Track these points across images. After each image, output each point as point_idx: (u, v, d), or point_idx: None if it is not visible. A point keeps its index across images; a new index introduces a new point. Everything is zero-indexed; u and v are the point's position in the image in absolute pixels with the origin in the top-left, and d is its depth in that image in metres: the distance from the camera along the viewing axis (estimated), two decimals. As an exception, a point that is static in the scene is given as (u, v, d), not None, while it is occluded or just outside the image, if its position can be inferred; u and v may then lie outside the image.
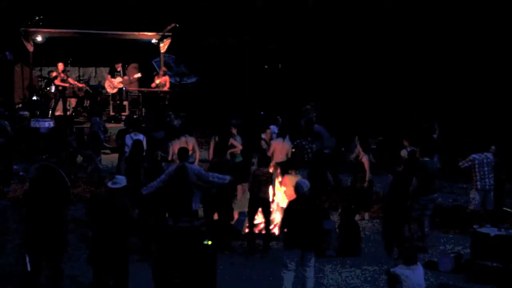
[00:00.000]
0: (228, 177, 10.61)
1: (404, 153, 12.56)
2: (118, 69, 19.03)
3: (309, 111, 17.76)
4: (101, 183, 13.44)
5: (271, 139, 14.19)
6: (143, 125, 15.13)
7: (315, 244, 8.88)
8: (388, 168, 11.77)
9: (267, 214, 11.13)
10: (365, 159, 12.77)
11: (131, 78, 19.67)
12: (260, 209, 11.21)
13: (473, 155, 12.30)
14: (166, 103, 18.75)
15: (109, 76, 18.96)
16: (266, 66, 22.55)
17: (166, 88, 18.69)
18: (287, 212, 8.96)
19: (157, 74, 18.88)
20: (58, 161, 10.30)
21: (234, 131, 13.65)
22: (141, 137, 12.72)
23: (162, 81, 18.63)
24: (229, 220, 11.44)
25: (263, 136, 14.45)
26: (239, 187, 12.77)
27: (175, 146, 12.29)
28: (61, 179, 8.62)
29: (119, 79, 18.85)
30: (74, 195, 12.23)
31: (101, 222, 8.04)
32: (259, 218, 11.58)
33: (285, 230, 8.96)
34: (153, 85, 18.81)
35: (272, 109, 19.01)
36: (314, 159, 14.35)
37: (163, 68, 19.22)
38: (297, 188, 8.94)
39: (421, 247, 10.85)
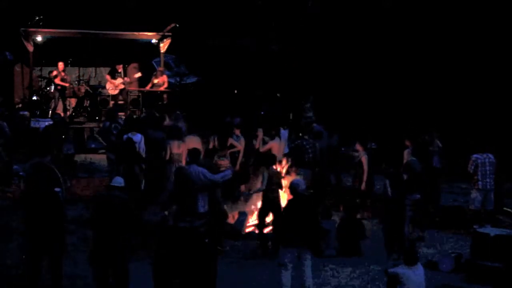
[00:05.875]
0: (229, 172, 10.42)
1: (407, 153, 12.57)
2: (119, 70, 18.91)
3: (308, 110, 17.76)
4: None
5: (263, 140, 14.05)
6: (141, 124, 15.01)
7: (312, 243, 8.89)
8: (382, 169, 11.78)
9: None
10: (364, 159, 12.78)
11: (131, 78, 19.61)
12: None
13: (475, 155, 12.31)
14: (165, 102, 18.68)
15: (108, 77, 18.85)
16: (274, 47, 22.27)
17: (163, 88, 18.60)
18: (285, 211, 8.96)
19: (155, 74, 18.82)
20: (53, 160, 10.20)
21: (237, 131, 13.60)
22: (138, 137, 12.50)
23: (160, 81, 18.57)
24: (223, 220, 11.35)
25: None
26: (242, 187, 12.74)
27: (173, 146, 12.26)
28: (54, 176, 8.62)
29: (120, 80, 18.76)
30: (71, 194, 12.34)
31: (102, 222, 8.02)
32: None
33: (283, 228, 8.96)
34: (150, 85, 18.70)
35: (272, 109, 18.99)
36: (320, 158, 14.14)
37: (160, 68, 19.16)
38: (294, 187, 8.94)
39: (419, 237, 11.00)
